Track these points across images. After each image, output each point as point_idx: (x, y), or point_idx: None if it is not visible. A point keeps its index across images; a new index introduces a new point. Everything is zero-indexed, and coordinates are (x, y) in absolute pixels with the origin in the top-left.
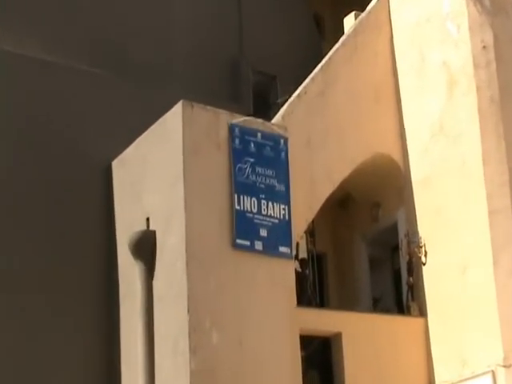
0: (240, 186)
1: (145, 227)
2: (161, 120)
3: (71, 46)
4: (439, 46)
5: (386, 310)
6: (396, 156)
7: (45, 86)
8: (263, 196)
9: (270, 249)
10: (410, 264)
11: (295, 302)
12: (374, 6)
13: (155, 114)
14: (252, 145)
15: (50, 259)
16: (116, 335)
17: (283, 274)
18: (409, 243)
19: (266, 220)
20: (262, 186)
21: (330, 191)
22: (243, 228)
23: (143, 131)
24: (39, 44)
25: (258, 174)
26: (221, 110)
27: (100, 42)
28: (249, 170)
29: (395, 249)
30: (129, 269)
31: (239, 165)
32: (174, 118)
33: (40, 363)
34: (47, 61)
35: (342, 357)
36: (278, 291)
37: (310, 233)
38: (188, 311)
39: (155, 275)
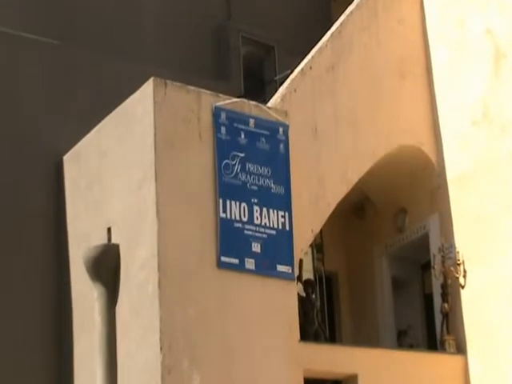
0: (226, 188)
1: (105, 240)
2: (125, 103)
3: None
4: (481, 11)
5: (414, 346)
6: (427, 149)
7: None
8: (256, 200)
9: (266, 268)
10: (444, 287)
11: (298, 336)
12: None
13: (119, 95)
14: (242, 134)
15: None
16: (69, 379)
17: (282, 300)
18: (443, 260)
19: (259, 231)
20: (255, 187)
21: (343, 194)
22: (230, 242)
23: (103, 117)
24: None
25: (249, 173)
26: (203, 90)
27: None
28: (238, 167)
29: (426, 267)
30: (85, 293)
31: (225, 160)
32: (142, 101)
33: None
34: None
35: None
36: (276, 322)
37: (318, 247)
38: (161, 348)
39: (119, 301)
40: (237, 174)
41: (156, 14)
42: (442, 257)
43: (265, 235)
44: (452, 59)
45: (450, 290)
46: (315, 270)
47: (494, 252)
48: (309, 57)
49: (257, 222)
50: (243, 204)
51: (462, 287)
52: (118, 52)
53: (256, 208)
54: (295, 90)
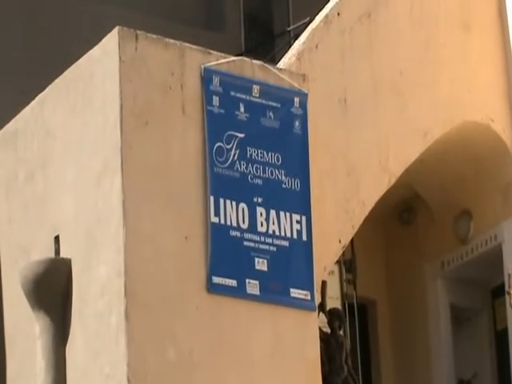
0: (219, 183)
1: (52, 253)
2: (79, 63)
3: None
4: None
5: None
6: (499, 127)
7: None
8: (261, 200)
9: (275, 293)
10: None
11: None
12: None
13: (71, 51)
14: (242, 107)
15: None
16: None
17: (298, 337)
18: None
19: (266, 242)
20: (259, 181)
21: (384, 190)
22: (225, 256)
23: (48, 83)
24: None
25: (251, 161)
26: (188, 45)
27: None
28: (235, 152)
29: (498, 293)
30: (23, 328)
31: (219, 143)
32: (103, 60)
33: None
34: None
35: None
36: (290, 367)
37: (348, 264)
38: None
39: (70, 339)
40: (234, 162)
41: None
42: None
43: (273, 248)
44: None
45: None
46: (344, 297)
47: None
48: (335, 0)
49: (262, 229)
50: (242, 204)
51: None
52: None
53: (260, 210)
54: (317, 46)
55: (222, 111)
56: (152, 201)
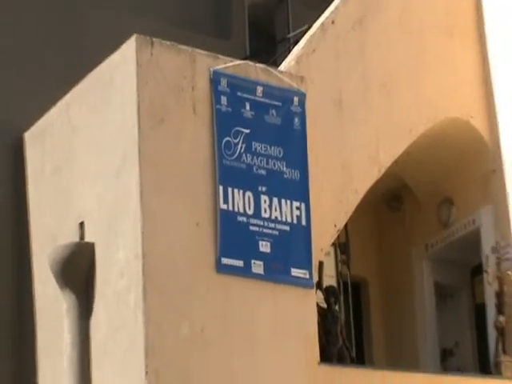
0: (228, 173)
1: (77, 238)
2: (101, 67)
3: None
4: None
5: (461, 369)
6: (478, 123)
7: None
8: (265, 188)
9: (277, 273)
10: (500, 296)
11: (318, 358)
12: None
13: (94, 56)
14: (247, 106)
15: None
16: None
17: (298, 312)
18: (498, 262)
19: (269, 227)
20: (263, 172)
21: (374, 180)
22: (233, 240)
23: (74, 85)
24: None
25: (256, 154)
26: (198, 50)
27: None
28: (242, 146)
29: (477, 272)
30: (51, 305)
31: (226, 138)
32: (122, 64)
33: None
34: None
35: None
36: (291, 340)
37: (342, 247)
38: (146, 373)
39: (94, 315)
40: (240, 155)
41: None
42: (497, 258)
43: (275, 232)
44: (510, 12)
45: (507, 300)
46: (339, 276)
47: None
48: (331, 8)
49: (265, 215)
50: (248, 193)
51: None
52: (95, 4)
53: (264, 198)
54: (314, 51)
55: (230, 109)
56: (166, 191)
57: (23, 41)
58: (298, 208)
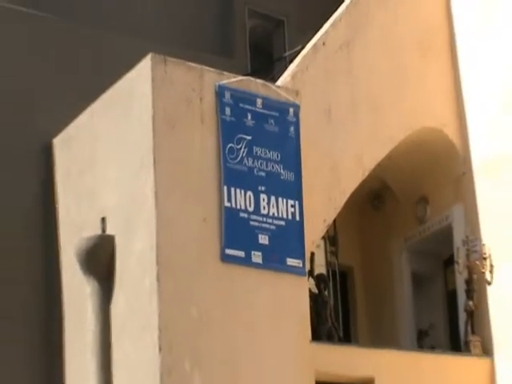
0: (231, 175)
1: (99, 231)
2: (121, 82)
3: None
4: None
5: (436, 347)
6: (450, 131)
7: None
8: (264, 188)
9: (274, 262)
10: (469, 283)
11: (309, 336)
12: None
13: (114, 73)
14: (249, 116)
15: None
16: (59, 381)
17: (292, 296)
18: (468, 254)
19: (267, 222)
20: (263, 173)
21: (359, 181)
22: (235, 233)
23: (97, 97)
24: None
25: (256, 158)
26: (205, 67)
27: None
28: (244, 151)
29: (449, 262)
30: (77, 289)
31: (230, 144)
32: (139, 79)
33: None
34: None
35: None
36: (286, 321)
37: (331, 239)
38: (160, 348)
39: (114, 298)
40: (242, 158)
41: None
42: (467, 250)
43: (273, 226)
44: (479, 33)
45: (476, 287)
46: (328, 265)
47: None
48: (322, 32)
49: (264, 211)
50: (249, 192)
51: (489, 283)
52: (114, 25)
53: (263, 196)
54: (307, 68)
55: (233, 119)
56: (178, 190)
57: (56, 60)
58: (292, 206)
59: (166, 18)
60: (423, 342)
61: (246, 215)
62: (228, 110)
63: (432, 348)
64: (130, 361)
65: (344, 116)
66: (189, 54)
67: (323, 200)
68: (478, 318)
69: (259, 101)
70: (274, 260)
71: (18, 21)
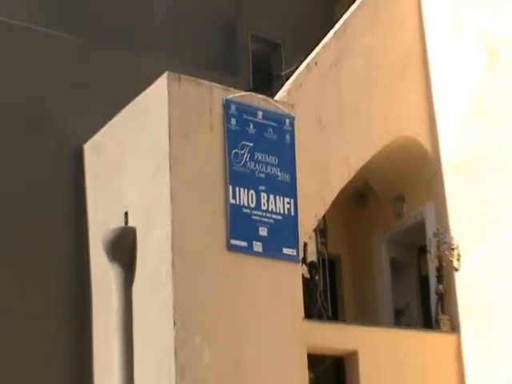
0: (236, 176)
1: (123, 223)
2: (141, 96)
3: (36, 6)
4: (476, 12)
5: (410, 325)
6: (424, 140)
7: (2, 52)
8: (263, 188)
9: (272, 251)
10: (439, 270)
11: (302, 315)
12: None
13: (135, 87)
14: (251, 125)
15: (6, 263)
16: (87, 353)
17: (288, 280)
18: (438, 244)
19: (266, 216)
20: (263, 175)
21: (346, 181)
22: (239, 226)
23: (122, 107)
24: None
25: (257, 161)
26: (214, 84)
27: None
28: (247, 156)
29: (422, 251)
30: (104, 273)
31: (235, 150)
32: (157, 94)
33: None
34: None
35: (357, 379)
36: (282, 301)
37: (321, 232)
38: (174, 324)
39: (135, 281)
40: (245, 162)
41: (170, 12)
42: (437, 241)
43: (271, 220)
44: (448, 57)
45: (445, 273)
46: (319, 253)
47: (486, 237)
48: (314, 53)
49: (264, 207)
50: (251, 191)
51: (456, 270)
52: (135, 47)
53: (263, 195)
54: (301, 85)
55: (238, 128)
56: (190, 189)
57: (87, 77)
58: (288, 203)
59: (181, 42)
60: (400, 320)
61: (248, 211)
62: (233, 121)
63: (407, 325)
64: (149, 336)
65: (333, 126)
66: (200, 73)
67: (314, 198)
68: (446, 300)
69: (260, 113)
70: (273, 249)
71: (49, 41)
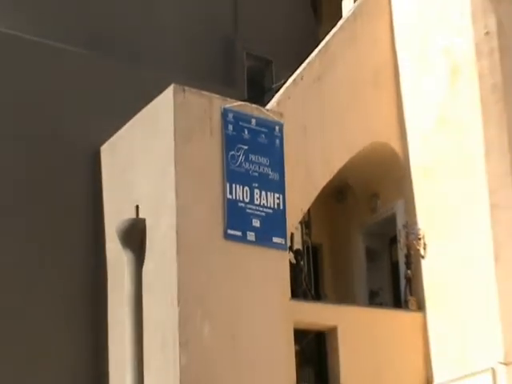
0: (232, 175)
1: (134, 215)
2: (151, 105)
3: (57, 24)
4: (441, 32)
5: (383, 304)
6: (395, 144)
7: (27, 66)
8: (256, 185)
9: (263, 240)
10: (408, 257)
11: (289, 295)
12: None
13: (146, 96)
14: (246, 131)
15: (33, 248)
16: (103, 326)
17: (277, 265)
18: (407, 235)
19: (258, 210)
20: (256, 174)
21: (327, 180)
22: (235, 218)
23: (134, 114)
24: (23, 23)
25: (251, 162)
26: (214, 95)
27: (87, 21)
28: (242, 157)
29: (393, 241)
30: (117, 258)
31: (232, 152)
32: (164, 103)
33: (23, 354)
34: (30, 39)
35: (337, 351)
36: (272, 283)
37: (306, 223)
38: (178, 302)
39: (144, 264)
40: (241, 163)
41: (176, 34)
42: (406, 232)
43: (263, 213)
44: (417, 72)
45: (413, 260)
46: (304, 242)
47: (448, 229)
48: (300, 69)
49: (257, 202)
50: (246, 187)
51: (423, 257)
52: (144, 62)
53: (256, 191)
54: (289, 97)
55: (234, 133)
56: (192, 186)
57: (104, 88)
58: (277, 198)
59: (185, 58)
60: (374, 300)
61: (243, 205)
62: (230, 127)
63: (380, 305)
64: (156, 311)
65: (316, 132)
66: (201, 85)
67: (300, 194)
68: (414, 283)
69: (253, 120)
70: (264, 238)
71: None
